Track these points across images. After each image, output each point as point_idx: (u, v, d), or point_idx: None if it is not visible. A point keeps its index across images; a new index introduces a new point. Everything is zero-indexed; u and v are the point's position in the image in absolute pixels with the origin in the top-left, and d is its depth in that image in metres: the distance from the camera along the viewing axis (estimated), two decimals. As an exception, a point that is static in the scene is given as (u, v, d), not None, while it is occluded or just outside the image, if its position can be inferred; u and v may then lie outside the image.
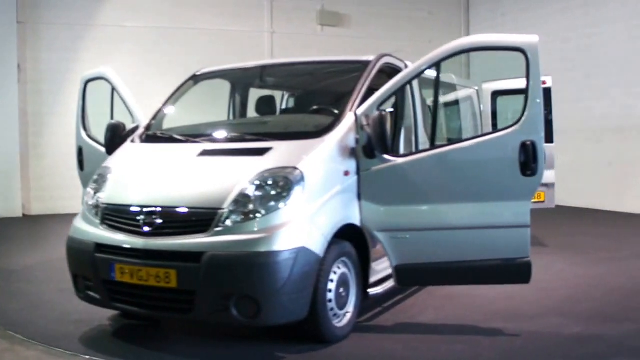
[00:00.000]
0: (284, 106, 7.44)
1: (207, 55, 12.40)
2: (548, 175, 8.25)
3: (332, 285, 4.69)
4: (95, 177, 5.26)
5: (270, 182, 4.51)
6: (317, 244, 4.46)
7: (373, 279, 5.28)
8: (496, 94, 8.60)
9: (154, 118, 5.83)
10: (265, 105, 6.50)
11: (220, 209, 4.42)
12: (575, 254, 8.27)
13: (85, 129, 6.72)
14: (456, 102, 7.66)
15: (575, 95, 13.19)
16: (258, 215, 4.39)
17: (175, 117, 6.05)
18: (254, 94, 6.79)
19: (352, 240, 4.95)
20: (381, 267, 5.30)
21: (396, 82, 4.97)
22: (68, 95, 11.61)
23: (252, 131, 5.31)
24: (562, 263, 7.70)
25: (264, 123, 5.98)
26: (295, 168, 4.56)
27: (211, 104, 6.86)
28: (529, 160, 4.70)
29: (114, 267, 4.60)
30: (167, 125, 5.86)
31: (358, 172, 4.94)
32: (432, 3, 16.14)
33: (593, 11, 12.98)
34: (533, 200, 8.21)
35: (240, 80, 6.81)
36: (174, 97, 6.08)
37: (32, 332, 5.07)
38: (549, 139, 8.32)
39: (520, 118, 4.78)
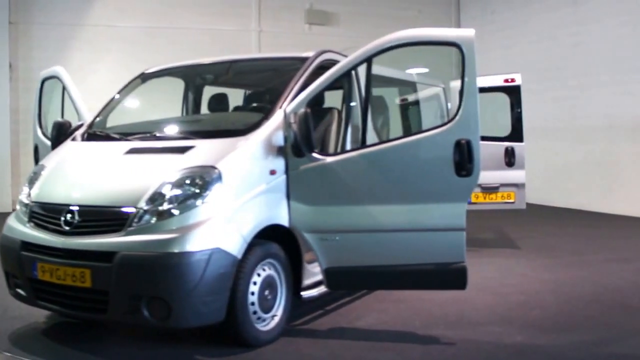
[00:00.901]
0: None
1: (195, 54, 12.13)
2: (518, 175, 8.01)
3: (254, 288, 4.46)
4: (30, 174, 5.09)
5: (186, 181, 4.28)
6: (234, 244, 4.22)
7: (309, 281, 5.03)
8: None
9: (97, 116, 5.63)
10: (217, 103, 6.26)
11: (135, 207, 4.21)
12: (546, 256, 7.92)
13: (40, 126, 6.58)
14: (416, 102, 7.33)
15: (564, 94, 12.82)
16: (173, 214, 4.17)
17: (125, 115, 5.86)
18: (210, 91, 6.57)
19: (281, 241, 4.72)
20: (319, 269, 5.04)
21: (325, 79, 4.72)
22: (58, 94, 11.50)
23: (183, 129, 5.07)
24: (528, 266, 7.38)
25: (197, 121, 5.74)
26: (213, 167, 4.33)
27: (166, 101, 6.64)
28: (463, 160, 4.43)
29: (37, 265, 4.45)
30: (114, 123, 5.66)
31: (287, 171, 4.70)
32: (422, 1, 15.75)
33: (582, 9, 12.55)
34: (504, 201, 8.06)
35: (189, 78, 6.57)
36: (120, 95, 5.87)
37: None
38: (519, 138, 8.02)
39: (455, 115, 4.51)
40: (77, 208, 4.38)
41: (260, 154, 4.58)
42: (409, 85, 7.25)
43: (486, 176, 7.92)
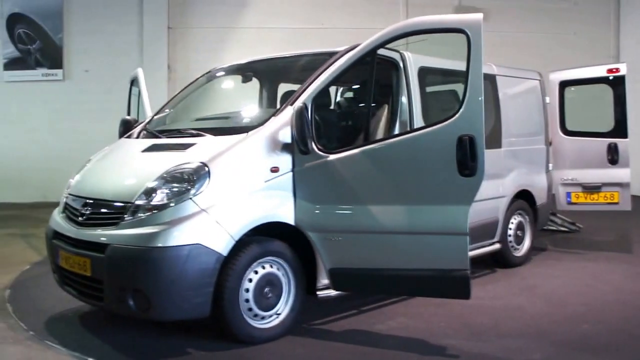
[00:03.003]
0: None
1: None
2: (622, 174, 6.96)
3: (250, 285, 4.23)
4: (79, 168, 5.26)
5: (175, 178, 4.16)
6: (218, 241, 4.02)
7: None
8: (564, 85, 7.29)
9: (156, 114, 5.70)
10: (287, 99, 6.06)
11: (130, 202, 4.18)
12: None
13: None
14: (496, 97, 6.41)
15: None
16: (159, 210, 4.07)
17: (191, 113, 5.86)
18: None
19: (291, 239, 4.43)
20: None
21: (330, 74, 4.40)
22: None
23: (204, 126, 4.94)
24: (622, 274, 6.33)
25: (223, 118, 5.53)
26: (202, 164, 4.17)
27: (241, 97, 6.55)
28: (466, 158, 3.87)
29: (59, 252, 4.59)
30: (176, 120, 5.68)
31: (294, 168, 4.41)
32: (579, -8, 14.24)
33: None
34: (607, 202, 7.01)
35: (259, 75, 6.38)
36: (182, 93, 5.88)
37: (23, 307, 5.27)
38: (624, 133, 6.91)
39: (458, 109, 3.94)
40: (89, 201, 4.47)
41: (260, 151, 4.34)
42: (486, 79, 6.42)
43: (587, 174, 7.03)
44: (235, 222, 4.13)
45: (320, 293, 4.61)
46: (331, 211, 4.32)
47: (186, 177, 4.14)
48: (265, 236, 4.35)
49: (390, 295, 5.24)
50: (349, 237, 4.29)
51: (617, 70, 6.94)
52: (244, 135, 4.38)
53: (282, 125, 4.41)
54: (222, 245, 4.04)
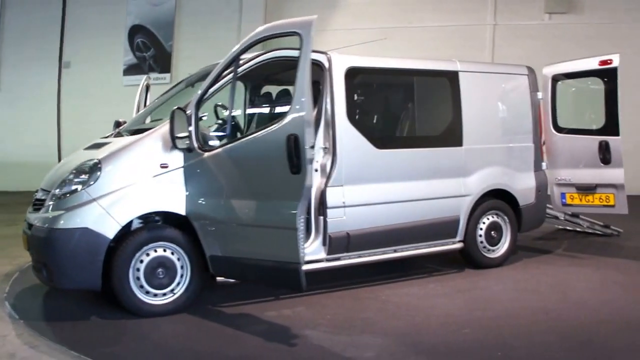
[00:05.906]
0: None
1: (429, 52, 11.96)
2: (615, 175, 6.46)
3: (141, 265, 4.79)
4: None
5: (78, 172, 4.84)
6: (104, 226, 4.64)
7: None
8: (557, 79, 6.84)
9: (135, 116, 6.43)
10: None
11: (51, 191, 4.96)
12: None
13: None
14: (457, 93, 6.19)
15: None
16: (62, 199, 4.79)
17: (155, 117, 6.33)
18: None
19: (184, 227, 4.92)
20: None
21: (209, 80, 4.80)
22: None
23: (134, 128, 5.61)
24: (595, 282, 5.93)
25: (159, 120, 6.06)
26: (97, 160, 4.80)
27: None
28: (292, 156, 4.16)
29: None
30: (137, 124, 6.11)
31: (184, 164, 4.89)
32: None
33: None
34: (602, 204, 6.52)
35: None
36: (160, 98, 6.53)
37: (23, 277, 6.14)
38: (615, 130, 6.39)
39: (290, 109, 4.25)
40: (38, 189, 5.32)
41: (149, 149, 4.86)
42: (442, 76, 6.26)
43: (580, 174, 6.66)
44: (122, 210, 4.72)
45: (218, 278, 5.03)
46: (206, 203, 4.77)
47: (84, 171, 4.81)
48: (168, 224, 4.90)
49: (251, 283, 5.42)
50: (218, 227, 4.72)
51: (610, 61, 6.42)
52: (140, 135, 4.96)
53: None
54: (108, 229, 4.65)
